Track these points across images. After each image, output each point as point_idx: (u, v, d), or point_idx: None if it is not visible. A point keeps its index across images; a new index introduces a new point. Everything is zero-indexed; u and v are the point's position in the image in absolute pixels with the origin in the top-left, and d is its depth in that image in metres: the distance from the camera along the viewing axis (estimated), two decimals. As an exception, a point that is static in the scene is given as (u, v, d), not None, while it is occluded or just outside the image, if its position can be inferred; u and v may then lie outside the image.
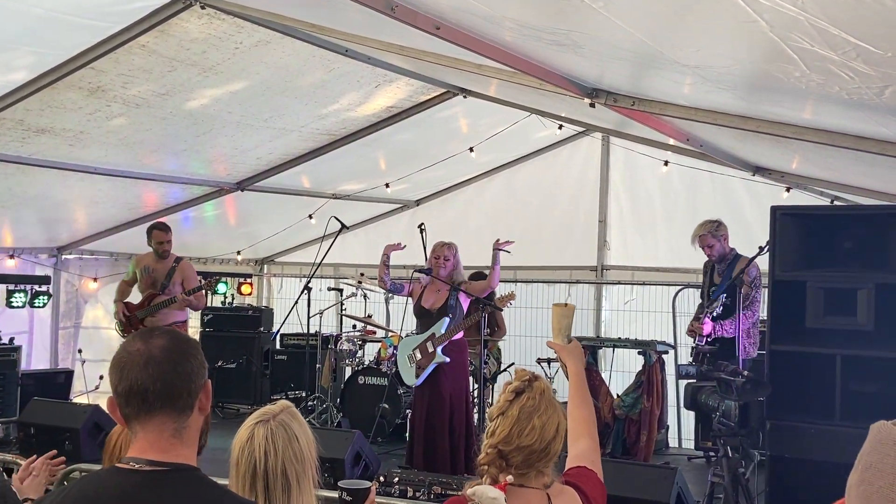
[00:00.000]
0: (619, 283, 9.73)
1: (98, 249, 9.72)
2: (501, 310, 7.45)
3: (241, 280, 10.97)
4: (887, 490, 1.06)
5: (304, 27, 5.29)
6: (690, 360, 6.88)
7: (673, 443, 8.35)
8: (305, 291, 8.32)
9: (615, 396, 7.72)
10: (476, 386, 7.38)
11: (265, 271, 12.04)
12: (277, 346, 9.92)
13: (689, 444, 8.11)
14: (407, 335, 7.41)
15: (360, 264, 10.71)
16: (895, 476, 1.06)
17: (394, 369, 7.99)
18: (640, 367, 7.68)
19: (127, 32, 5.35)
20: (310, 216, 9.85)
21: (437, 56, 5.00)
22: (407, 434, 7.41)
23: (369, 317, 9.32)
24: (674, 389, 7.98)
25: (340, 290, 9.50)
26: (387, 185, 9.65)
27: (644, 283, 9.43)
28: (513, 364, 8.37)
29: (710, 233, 6.70)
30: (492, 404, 7.70)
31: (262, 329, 10.08)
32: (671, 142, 7.19)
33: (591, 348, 7.85)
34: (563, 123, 8.41)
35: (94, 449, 6.10)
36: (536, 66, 4.35)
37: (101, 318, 9.87)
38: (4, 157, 6.84)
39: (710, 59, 3.51)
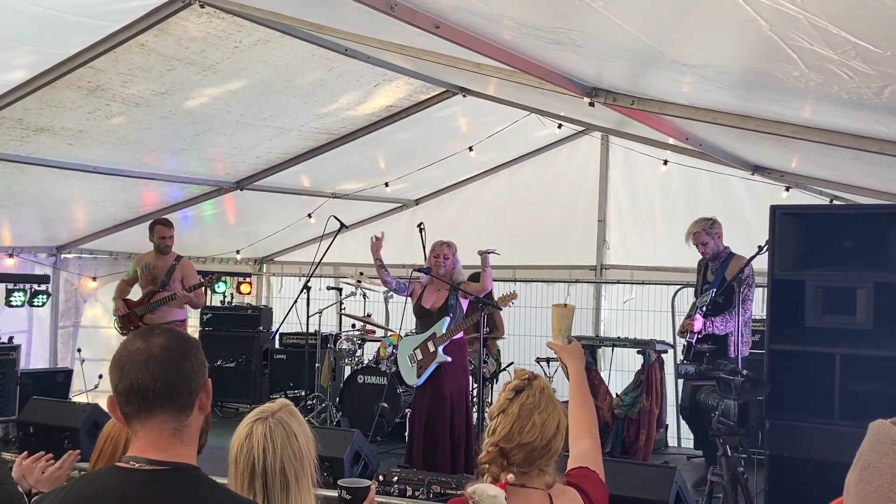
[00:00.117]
0: (618, 282, 9.73)
1: (97, 248, 9.72)
2: (501, 309, 7.44)
3: (241, 279, 10.97)
4: (886, 489, 1.06)
5: (304, 26, 5.28)
6: (682, 358, 6.89)
7: (672, 442, 8.35)
8: (305, 291, 8.32)
9: (614, 396, 7.72)
10: (475, 385, 7.39)
11: (264, 270, 12.04)
12: (277, 346, 9.92)
13: (688, 443, 8.11)
14: (406, 334, 7.41)
15: (360, 264, 10.70)
16: (894, 475, 1.06)
17: (393, 368, 7.99)
18: (639, 367, 7.68)
19: (126, 31, 5.35)
20: (309, 215, 9.85)
21: (437, 55, 5.00)
22: (406, 433, 7.41)
23: (368, 316, 9.32)
24: (673, 389, 7.99)
25: (340, 290, 9.50)
26: (386, 185, 9.65)
27: (643, 283, 9.43)
28: (512, 363, 8.37)
29: (705, 230, 6.70)
30: (491, 404, 7.72)
31: (261, 328, 10.08)
32: (670, 141, 7.19)
33: (591, 347, 7.85)
34: (563, 123, 8.41)
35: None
36: (536, 65, 4.34)
37: (100, 317, 9.87)
38: (3, 157, 6.83)
39: (710, 58, 3.51)
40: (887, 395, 5.16)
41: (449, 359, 6.70)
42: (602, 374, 8.07)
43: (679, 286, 8.82)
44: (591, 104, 4.91)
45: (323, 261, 8.25)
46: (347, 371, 8.96)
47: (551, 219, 9.91)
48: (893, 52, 2.68)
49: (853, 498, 1.11)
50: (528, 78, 4.67)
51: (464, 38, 3.95)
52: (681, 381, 7.17)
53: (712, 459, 6.59)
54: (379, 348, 8.98)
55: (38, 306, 8.79)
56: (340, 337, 9.09)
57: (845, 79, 3.10)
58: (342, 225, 8.29)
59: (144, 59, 5.73)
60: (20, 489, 3.07)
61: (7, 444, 7.29)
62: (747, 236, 7.19)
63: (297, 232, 10.56)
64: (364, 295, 9.34)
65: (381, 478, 5.77)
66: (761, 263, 5.88)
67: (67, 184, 7.76)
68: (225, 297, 10.65)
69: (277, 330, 9.20)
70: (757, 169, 7.29)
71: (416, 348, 6.85)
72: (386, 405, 8.04)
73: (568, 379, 2.82)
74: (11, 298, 8.44)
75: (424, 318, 6.93)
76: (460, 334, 6.84)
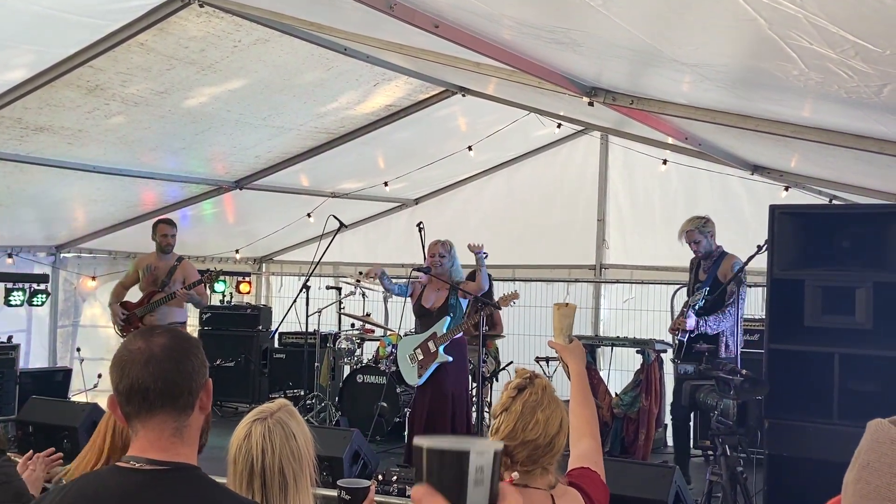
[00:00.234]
0: (617, 281, 9.73)
1: (96, 248, 9.72)
2: (500, 308, 7.45)
3: (240, 278, 10.97)
4: (885, 489, 1.06)
5: (303, 25, 5.28)
6: (672, 357, 6.89)
7: (671, 441, 8.34)
8: (304, 290, 8.32)
9: (614, 395, 7.72)
10: (475, 385, 7.39)
11: (264, 270, 12.04)
12: (276, 345, 9.92)
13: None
14: (405, 334, 7.42)
15: (359, 263, 10.71)
16: (892, 475, 1.06)
17: (392, 368, 8.00)
18: (638, 366, 7.68)
19: (125, 31, 5.34)
20: (308, 215, 9.85)
21: (436, 54, 4.99)
22: (405, 432, 7.41)
23: (368, 315, 9.32)
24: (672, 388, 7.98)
25: (339, 289, 9.50)
26: (385, 184, 9.65)
27: (642, 282, 9.43)
28: (511, 363, 8.37)
29: (698, 228, 6.70)
30: (491, 403, 7.73)
31: (260, 327, 10.08)
32: (670, 140, 7.19)
33: (590, 347, 7.85)
34: (562, 122, 8.41)
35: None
36: (535, 64, 4.34)
37: (99, 316, 9.87)
38: (3, 156, 6.84)
39: (709, 56, 3.51)
40: (886, 394, 5.16)
41: (450, 358, 6.70)
42: (601, 374, 8.07)
43: (678, 286, 8.81)
44: (591, 104, 4.91)
45: (322, 260, 8.26)
46: (347, 370, 8.96)
47: (550, 218, 9.91)
48: (893, 50, 2.68)
49: (851, 498, 1.11)
50: (528, 77, 4.67)
51: (463, 38, 3.95)
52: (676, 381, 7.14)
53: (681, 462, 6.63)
54: (378, 348, 8.99)
55: (37, 306, 8.79)
56: (340, 336, 9.09)
57: (845, 78, 3.10)
58: (341, 224, 8.29)
59: (144, 58, 5.73)
60: (27, 486, 3.08)
61: (8, 443, 7.28)
62: (746, 236, 7.18)
63: (297, 231, 10.56)
64: (363, 294, 9.34)
65: (380, 477, 5.77)
66: (760, 263, 5.88)
67: (66, 183, 7.75)
68: (224, 296, 10.65)
69: (277, 329, 9.19)
70: (756, 168, 7.29)
71: (416, 348, 6.85)
72: (385, 404, 8.05)
73: (569, 378, 2.82)
74: (10, 298, 8.45)
75: (424, 317, 6.93)
76: (460, 334, 6.85)
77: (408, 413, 7.35)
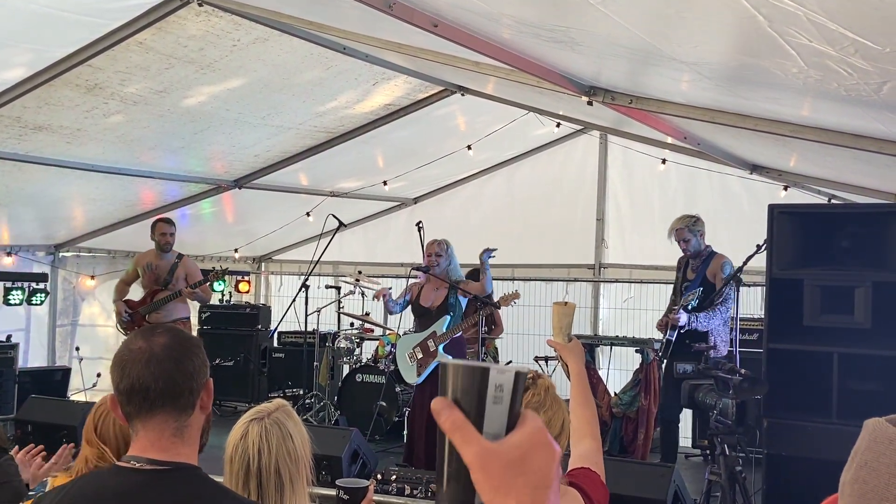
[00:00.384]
0: (616, 281, 9.73)
1: (95, 247, 9.71)
2: (500, 308, 7.45)
3: (239, 278, 10.97)
4: (882, 489, 1.06)
5: (302, 25, 5.28)
6: (658, 355, 6.89)
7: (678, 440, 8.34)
8: (303, 289, 8.32)
9: (613, 394, 7.72)
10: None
11: (263, 269, 12.03)
12: (275, 344, 9.92)
13: (686, 442, 8.11)
14: (405, 333, 7.41)
15: (359, 262, 10.72)
16: (890, 475, 1.06)
17: (391, 367, 7.99)
18: (637, 366, 7.68)
19: (124, 30, 5.34)
20: (307, 214, 9.85)
21: (435, 54, 4.99)
22: (405, 432, 7.41)
23: (367, 315, 9.32)
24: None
25: (338, 288, 9.50)
26: (384, 183, 9.65)
27: (642, 282, 9.43)
28: (511, 362, 8.37)
29: (688, 227, 6.71)
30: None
31: (259, 327, 10.08)
32: (669, 140, 7.18)
33: (589, 346, 7.85)
34: (561, 121, 8.41)
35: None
36: (534, 63, 4.34)
37: (99, 315, 9.87)
38: (2, 155, 6.83)
39: (708, 55, 3.50)
40: (885, 394, 5.16)
41: (450, 358, 6.70)
42: (600, 373, 8.07)
43: (677, 285, 8.83)
44: (590, 103, 4.90)
45: (321, 259, 8.25)
46: (346, 370, 8.96)
47: (550, 218, 9.91)
48: (892, 48, 2.68)
49: (848, 498, 1.11)
50: (527, 77, 4.66)
51: (462, 37, 3.94)
52: (673, 382, 7.13)
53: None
54: (377, 347, 8.99)
55: (36, 305, 8.79)
56: (339, 335, 9.09)
57: (844, 75, 3.10)
58: (340, 223, 8.28)
59: (142, 57, 5.73)
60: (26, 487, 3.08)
61: (7, 442, 7.27)
62: (745, 235, 7.17)
63: (296, 230, 10.56)
64: (362, 293, 9.34)
65: (379, 476, 5.76)
66: (759, 262, 5.88)
67: (65, 182, 7.75)
68: (223, 295, 10.65)
69: (276, 328, 9.19)
70: (755, 168, 7.29)
71: (415, 347, 6.85)
72: (384, 404, 8.04)
73: (568, 378, 2.82)
74: (9, 297, 8.44)
75: (423, 316, 6.92)
76: (460, 333, 6.85)
77: (407, 412, 7.34)
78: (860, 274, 5.31)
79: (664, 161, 8.77)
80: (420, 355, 6.79)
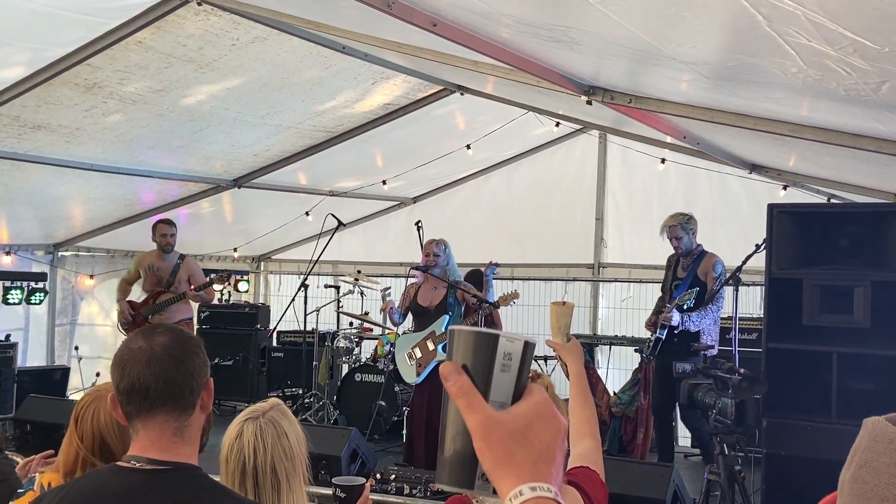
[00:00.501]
0: (615, 280, 9.73)
1: (94, 246, 9.71)
2: (499, 307, 7.45)
3: (238, 277, 10.97)
4: (882, 489, 1.06)
5: (301, 24, 5.27)
6: (645, 354, 6.90)
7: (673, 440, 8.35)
8: (302, 288, 8.32)
9: (612, 394, 7.72)
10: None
11: (262, 268, 12.03)
12: (274, 344, 9.92)
13: (685, 441, 8.11)
14: (404, 332, 7.41)
15: (358, 261, 10.71)
16: (890, 475, 1.06)
17: (391, 367, 7.99)
18: (636, 365, 7.68)
19: (123, 29, 5.34)
20: (306, 213, 9.85)
21: (434, 53, 4.99)
22: (404, 431, 7.41)
23: (366, 314, 9.32)
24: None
25: (337, 288, 9.50)
26: (384, 183, 9.65)
27: (641, 281, 9.43)
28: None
29: (681, 224, 6.71)
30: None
31: (258, 326, 10.08)
32: (668, 139, 7.19)
33: (588, 346, 7.85)
34: (560, 121, 8.41)
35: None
36: (533, 63, 4.34)
37: (97, 314, 9.87)
38: (0, 154, 6.83)
39: (708, 54, 3.50)
40: (884, 393, 5.16)
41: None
42: (599, 373, 8.07)
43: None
44: (589, 102, 4.90)
45: (321, 259, 8.25)
46: (345, 369, 8.96)
47: (549, 217, 9.91)
48: (891, 48, 2.68)
49: (848, 497, 1.10)
50: (526, 76, 4.66)
51: (461, 36, 3.94)
52: (667, 380, 7.12)
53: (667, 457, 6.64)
54: (376, 346, 8.99)
55: (35, 304, 8.79)
56: (338, 335, 9.08)
57: (843, 75, 3.10)
58: (340, 223, 8.28)
59: (141, 56, 5.72)
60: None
61: (4, 441, 7.27)
62: (744, 235, 7.18)
63: (295, 230, 10.56)
64: (362, 293, 9.34)
65: (378, 476, 5.76)
66: (759, 262, 5.88)
67: (64, 181, 7.75)
68: (222, 294, 10.65)
69: (275, 328, 9.20)
70: (754, 167, 7.29)
71: (414, 346, 6.84)
72: (383, 403, 8.04)
73: (567, 378, 2.81)
74: (8, 296, 8.44)
75: (422, 315, 6.92)
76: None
77: (406, 412, 7.34)
78: (859, 273, 5.31)
79: (663, 160, 8.77)
80: (419, 355, 6.79)
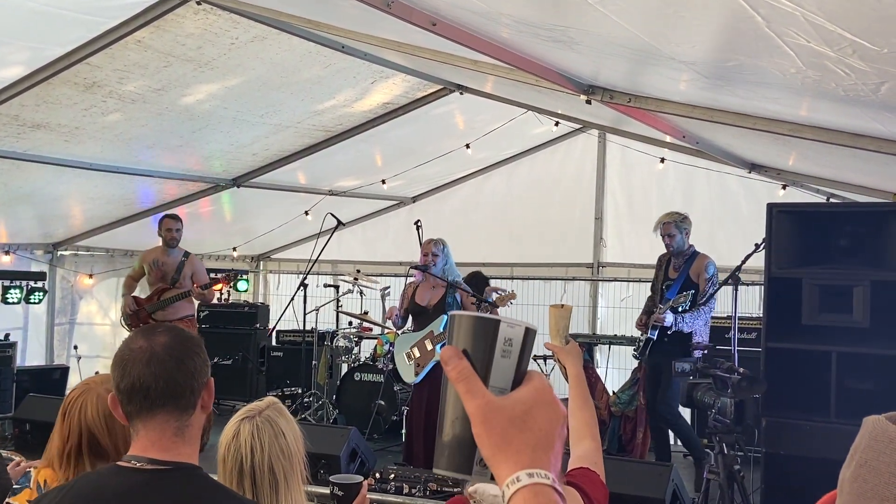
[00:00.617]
0: (615, 279, 9.73)
1: (93, 245, 9.71)
2: (497, 307, 7.45)
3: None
4: (882, 488, 1.06)
5: (301, 23, 5.27)
6: (635, 354, 6.90)
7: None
8: (302, 288, 8.32)
9: (611, 393, 7.72)
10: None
11: (261, 268, 12.03)
12: (273, 343, 9.92)
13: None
14: (403, 332, 7.41)
15: (357, 261, 10.71)
16: (891, 474, 1.06)
17: (390, 366, 7.99)
18: (635, 364, 7.67)
19: (122, 28, 5.33)
20: (306, 213, 9.85)
21: (434, 52, 4.99)
22: (403, 431, 7.41)
23: (365, 313, 9.32)
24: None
25: (337, 287, 9.50)
26: (383, 182, 9.65)
27: (640, 281, 9.42)
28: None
29: (675, 222, 6.71)
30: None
31: (258, 325, 10.07)
32: (667, 139, 7.19)
33: (588, 345, 7.85)
34: (560, 120, 8.41)
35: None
36: (533, 62, 4.34)
37: (96, 313, 9.86)
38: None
39: (707, 54, 3.50)
40: (883, 392, 5.16)
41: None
42: (599, 372, 8.07)
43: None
44: (588, 102, 4.90)
45: (320, 258, 8.25)
46: (344, 368, 8.96)
47: (548, 216, 9.91)
48: (890, 49, 2.68)
49: (848, 496, 1.10)
50: (525, 76, 4.66)
51: (460, 36, 3.94)
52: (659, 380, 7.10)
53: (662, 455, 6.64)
54: (376, 346, 8.99)
55: (34, 303, 8.79)
56: (337, 334, 9.09)
57: (842, 76, 3.10)
58: (339, 222, 8.28)
59: (141, 55, 5.72)
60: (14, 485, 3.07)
61: (3, 441, 7.27)
62: (744, 234, 7.19)
63: (294, 229, 10.56)
64: (361, 292, 9.34)
65: (377, 475, 5.76)
66: (758, 261, 5.88)
67: (63, 181, 7.74)
68: (222, 293, 10.64)
69: (274, 327, 9.20)
70: (754, 167, 7.29)
71: (413, 346, 6.84)
72: (382, 402, 8.04)
73: (566, 380, 2.81)
74: (8, 295, 8.44)
75: (420, 315, 6.92)
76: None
77: (405, 411, 7.34)
78: (859, 273, 5.31)
79: (663, 160, 8.77)
80: (417, 355, 6.79)
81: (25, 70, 5.71)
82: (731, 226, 8.43)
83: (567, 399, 2.69)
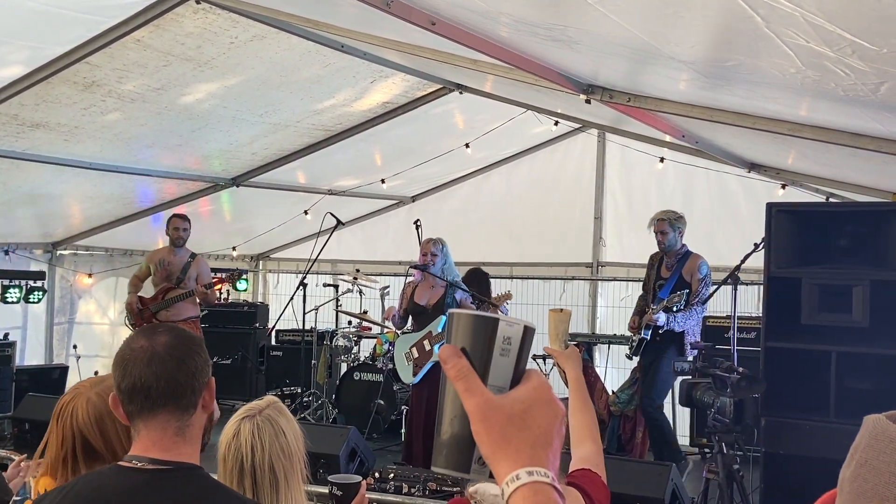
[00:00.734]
0: (614, 279, 9.73)
1: (93, 245, 9.70)
2: (497, 307, 7.45)
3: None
4: (883, 488, 1.06)
5: (300, 22, 5.27)
6: (628, 353, 6.91)
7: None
8: (301, 287, 8.32)
9: (610, 393, 7.72)
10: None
11: (261, 267, 12.03)
12: (273, 342, 9.92)
13: (684, 440, 8.11)
14: (403, 332, 7.41)
15: (357, 260, 10.71)
16: (891, 474, 1.06)
17: (389, 366, 8.00)
18: (635, 364, 7.67)
19: (122, 27, 5.33)
20: (305, 212, 9.84)
21: (433, 52, 4.99)
22: (403, 430, 7.41)
23: (365, 313, 9.32)
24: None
25: (336, 287, 9.50)
26: (382, 181, 9.65)
27: (639, 280, 9.41)
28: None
29: (670, 220, 6.72)
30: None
31: (257, 325, 10.07)
32: (667, 138, 7.19)
33: (587, 345, 7.85)
34: (559, 120, 8.41)
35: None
36: (532, 61, 4.34)
37: (95, 313, 9.86)
38: (-1, 152, 6.83)
39: (706, 54, 3.50)
40: (883, 392, 5.16)
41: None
42: (598, 372, 8.07)
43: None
44: (588, 101, 4.90)
45: (319, 257, 8.26)
46: (344, 368, 8.96)
47: (548, 216, 9.92)
48: (890, 49, 2.68)
49: (848, 495, 1.10)
50: (525, 75, 4.66)
51: (460, 35, 3.94)
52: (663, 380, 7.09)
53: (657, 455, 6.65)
54: (375, 345, 8.99)
55: (33, 303, 8.79)
56: (337, 334, 9.09)
57: (842, 76, 3.10)
58: (339, 222, 8.28)
59: (140, 54, 5.72)
60: (8, 485, 3.06)
61: (2, 440, 7.28)
62: (743, 234, 7.19)
63: (294, 229, 10.55)
64: (360, 292, 9.34)
65: (377, 475, 5.76)
66: (757, 261, 5.88)
67: (63, 180, 7.74)
68: (222, 293, 10.64)
69: (274, 326, 9.19)
70: (753, 166, 7.29)
71: (412, 346, 6.84)
72: (382, 402, 8.04)
73: (565, 383, 2.82)
74: (7, 295, 8.44)
75: (420, 315, 6.92)
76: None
77: (405, 411, 7.34)
78: (858, 272, 5.31)
79: (662, 159, 8.77)
80: (416, 355, 6.79)
81: (25, 69, 5.70)
82: (731, 225, 8.43)
83: (567, 399, 2.69)
